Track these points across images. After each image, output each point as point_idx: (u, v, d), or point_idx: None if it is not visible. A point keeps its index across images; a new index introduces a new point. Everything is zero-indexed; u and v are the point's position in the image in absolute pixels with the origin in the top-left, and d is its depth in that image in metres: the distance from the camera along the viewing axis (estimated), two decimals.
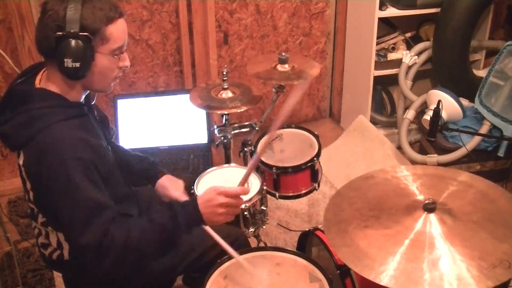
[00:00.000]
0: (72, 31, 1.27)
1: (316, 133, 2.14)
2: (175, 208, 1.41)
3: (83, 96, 1.44)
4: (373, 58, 2.91)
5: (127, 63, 1.43)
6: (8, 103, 1.38)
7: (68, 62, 1.28)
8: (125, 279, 1.50)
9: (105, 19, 1.31)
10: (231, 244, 1.62)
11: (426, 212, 1.31)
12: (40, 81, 1.41)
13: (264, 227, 1.95)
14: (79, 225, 1.29)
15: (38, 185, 1.35)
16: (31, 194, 1.40)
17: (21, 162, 1.35)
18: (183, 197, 1.67)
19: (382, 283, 1.16)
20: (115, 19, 1.34)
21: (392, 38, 3.01)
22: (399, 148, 2.96)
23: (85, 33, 1.29)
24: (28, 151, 1.32)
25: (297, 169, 1.96)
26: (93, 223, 1.29)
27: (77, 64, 1.29)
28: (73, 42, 1.27)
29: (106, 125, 1.61)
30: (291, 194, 2.02)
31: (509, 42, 2.65)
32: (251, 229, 1.87)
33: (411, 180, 1.47)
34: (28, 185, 1.38)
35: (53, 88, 1.38)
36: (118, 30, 1.35)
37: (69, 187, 1.29)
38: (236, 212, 1.46)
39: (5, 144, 1.41)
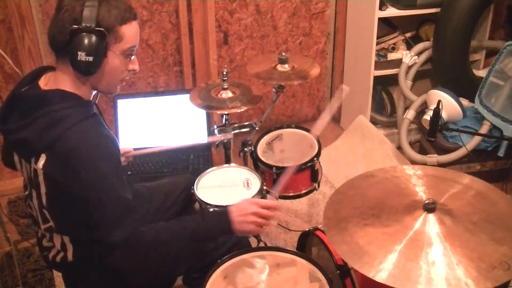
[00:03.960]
0: (87, 25, 1.28)
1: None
2: (207, 215, 1.47)
3: (92, 96, 1.44)
4: (373, 58, 2.91)
5: (136, 67, 1.44)
6: (17, 110, 1.36)
7: (82, 56, 1.29)
8: (124, 279, 1.50)
9: (120, 19, 1.33)
10: (234, 245, 1.63)
11: (426, 212, 1.31)
12: (47, 84, 1.39)
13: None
14: (111, 223, 1.32)
15: (60, 187, 1.32)
16: (43, 198, 1.37)
17: (40, 165, 1.31)
18: None
19: (381, 281, 1.16)
20: (130, 20, 1.36)
21: (392, 38, 3.01)
22: (399, 148, 2.95)
23: (100, 29, 1.30)
24: (52, 153, 1.30)
25: (297, 169, 1.96)
26: (124, 221, 1.32)
27: (90, 59, 1.29)
28: (87, 36, 1.28)
29: None
30: (291, 194, 2.02)
31: (509, 42, 2.65)
32: None
33: (411, 180, 1.47)
34: (43, 189, 1.36)
35: (65, 87, 1.36)
36: (131, 31, 1.37)
37: (102, 185, 1.30)
38: (266, 224, 1.47)
39: (21, 150, 1.39)
